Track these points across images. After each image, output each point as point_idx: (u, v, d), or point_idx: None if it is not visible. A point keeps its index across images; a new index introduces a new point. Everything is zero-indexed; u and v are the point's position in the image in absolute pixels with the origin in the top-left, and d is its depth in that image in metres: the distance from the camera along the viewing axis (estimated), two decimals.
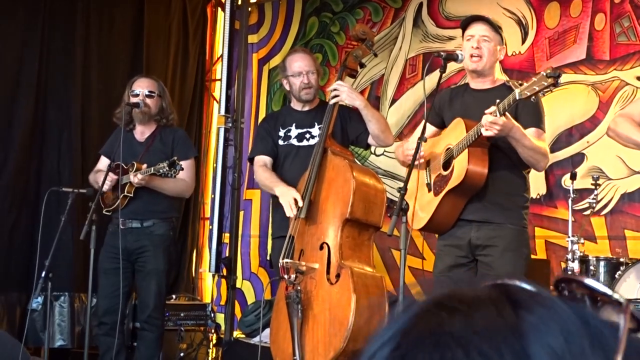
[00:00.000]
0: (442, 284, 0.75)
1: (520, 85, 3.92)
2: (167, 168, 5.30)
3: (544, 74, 3.76)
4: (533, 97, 3.85)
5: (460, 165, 4.17)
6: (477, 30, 4.40)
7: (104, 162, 5.84)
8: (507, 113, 3.99)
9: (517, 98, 3.85)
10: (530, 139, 4.15)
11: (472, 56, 4.38)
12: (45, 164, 7.06)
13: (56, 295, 6.75)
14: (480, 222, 4.30)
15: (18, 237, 6.75)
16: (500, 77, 4.47)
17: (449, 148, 4.29)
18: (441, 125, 4.57)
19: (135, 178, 5.43)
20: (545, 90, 3.82)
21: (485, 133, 3.99)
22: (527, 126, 4.20)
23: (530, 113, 4.24)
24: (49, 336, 6.10)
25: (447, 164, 4.31)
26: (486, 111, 3.99)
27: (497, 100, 3.97)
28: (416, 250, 5.24)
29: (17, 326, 6.45)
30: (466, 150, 4.14)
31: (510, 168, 4.30)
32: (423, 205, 4.43)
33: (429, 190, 4.44)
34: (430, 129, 4.56)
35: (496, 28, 4.44)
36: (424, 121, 4.26)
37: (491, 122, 3.94)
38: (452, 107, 4.51)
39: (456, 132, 4.28)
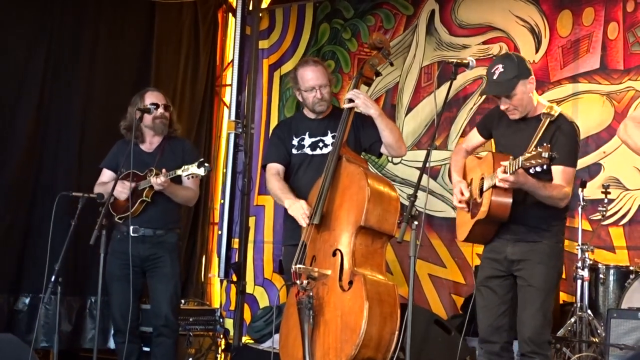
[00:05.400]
0: None
1: (552, 117, 4.41)
2: (195, 168, 5.33)
3: (540, 152, 4.00)
4: (538, 168, 4.05)
5: (486, 202, 4.45)
6: (505, 101, 4.54)
7: (107, 175, 5.84)
8: (521, 170, 4.19)
9: (520, 166, 4.12)
10: (547, 185, 4.38)
11: (507, 110, 4.56)
12: (43, 168, 7.07)
13: (42, 296, 6.76)
14: (515, 241, 4.54)
15: (10, 239, 6.79)
16: (542, 102, 4.63)
17: (483, 178, 4.54)
18: (488, 137, 4.86)
19: (158, 179, 5.46)
20: (539, 165, 4.05)
21: (498, 184, 4.29)
22: (557, 162, 4.32)
23: (562, 149, 4.35)
24: (57, 338, 6.08)
25: (481, 191, 4.56)
26: (502, 162, 4.26)
27: (511, 157, 4.20)
28: (438, 259, 5.25)
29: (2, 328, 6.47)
30: (491, 189, 4.40)
31: None
32: (464, 221, 4.73)
33: (468, 209, 4.67)
34: (478, 138, 4.90)
35: (518, 74, 4.49)
36: (435, 130, 4.42)
37: (503, 179, 4.23)
38: (499, 128, 4.74)
39: (487, 164, 4.55)
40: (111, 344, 6.94)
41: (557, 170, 4.42)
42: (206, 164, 5.35)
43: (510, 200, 4.39)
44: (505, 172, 4.20)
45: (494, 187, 4.36)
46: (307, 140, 5.30)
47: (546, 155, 3.97)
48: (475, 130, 4.93)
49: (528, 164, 4.05)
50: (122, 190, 5.58)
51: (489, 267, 4.63)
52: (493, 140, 4.84)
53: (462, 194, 4.66)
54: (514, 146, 4.43)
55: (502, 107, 4.54)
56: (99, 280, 5.22)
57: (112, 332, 6.11)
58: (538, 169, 4.07)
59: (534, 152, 4.03)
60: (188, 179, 5.55)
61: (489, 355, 4.59)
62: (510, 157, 4.21)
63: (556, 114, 4.47)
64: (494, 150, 4.84)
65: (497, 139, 4.75)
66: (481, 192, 4.53)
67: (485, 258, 4.70)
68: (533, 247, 4.48)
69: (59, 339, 5.76)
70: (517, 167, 4.14)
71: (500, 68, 4.50)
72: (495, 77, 4.49)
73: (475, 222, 4.55)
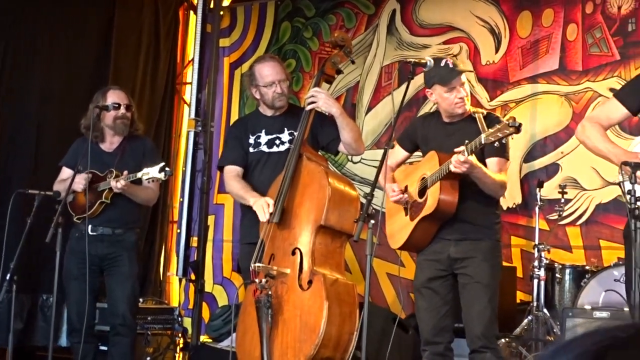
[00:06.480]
0: None
1: (483, 114, 4.43)
2: (156, 172, 5.28)
3: (507, 123, 4.01)
4: (497, 142, 4.07)
5: (433, 196, 4.45)
6: (464, 89, 4.57)
7: (67, 173, 5.73)
8: (473, 155, 4.24)
9: (482, 142, 4.12)
10: (491, 173, 4.44)
11: (457, 104, 4.57)
12: None
13: None
14: (458, 240, 4.56)
15: None
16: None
17: (424, 178, 4.55)
18: (412, 150, 4.92)
19: (118, 183, 5.39)
20: (507, 137, 4.08)
21: (453, 170, 4.26)
22: (491, 155, 4.48)
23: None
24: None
25: (422, 192, 4.57)
26: (455, 150, 4.24)
27: (466, 141, 4.20)
28: (396, 258, 5.28)
29: None
30: (439, 182, 4.41)
31: (481, 193, 4.51)
32: (400, 227, 4.70)
33: (406, 214, 4.68)
34: (402, 153, 4.94)
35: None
36: (392, 130, 4.44)
37: (462, 162, 4.21)
38: (425, 136, 4.78)
39: (430, 163, 4.54)
40: (62, 342, 6.88)
41: (493, 162, 4.51)
42: (167, 169, 5.30)
43: (457, 193, 4.43)
44: (464, 154, 4.20)
45: (443, 178, 4.37)
46: (264, 138, 5.25)
47: (516, 125, 3.98)
48: (397, 146, 4.93)
49: (493, 138, 4.04)
50: (80, 182, 5.50)
51: (430, 268, 4.63)
52: (421, 150, 4.85)
53: (393, 190, 4.69)
54: (453, 148, 4.38)
55: (461, 95, 4.53)
56: (55, 279, 5.18)
57: (67, 331, 6.00)
58: (504, 141, 4.10)
59: (498, 126, 4.04)
60: (148, 182, 5.51)
61: (433, 357, 4.61)
62: (464, 143, 4.22)
63: (485, 112, 4.59)
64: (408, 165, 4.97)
65: (427, 146, 4.74)
66: (422, 193, 4.55)
67: (424, 260, 4.68)
68: (476, 245, 4.52)
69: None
70: (478, 145, 4.15)
71: (449, 59, 4.62)
72: (451, 66, 4.55)
73: (419, 221, 4.55)
